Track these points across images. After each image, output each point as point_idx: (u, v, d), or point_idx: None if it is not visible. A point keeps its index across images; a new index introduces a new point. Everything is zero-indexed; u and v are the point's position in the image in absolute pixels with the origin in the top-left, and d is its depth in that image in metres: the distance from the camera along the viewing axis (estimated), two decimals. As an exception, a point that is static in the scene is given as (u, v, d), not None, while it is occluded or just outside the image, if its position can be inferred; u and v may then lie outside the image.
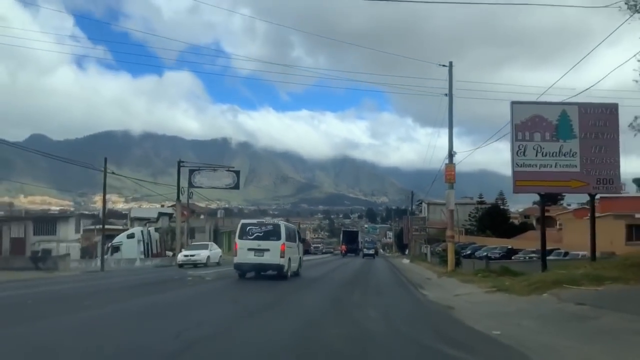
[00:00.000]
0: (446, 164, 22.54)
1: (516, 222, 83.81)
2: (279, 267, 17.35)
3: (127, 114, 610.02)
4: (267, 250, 17.14)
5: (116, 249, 39.49)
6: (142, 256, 39.15)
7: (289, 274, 17.76)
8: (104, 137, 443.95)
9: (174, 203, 72.61)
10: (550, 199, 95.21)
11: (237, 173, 36.79)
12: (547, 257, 45.43)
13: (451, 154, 22.58)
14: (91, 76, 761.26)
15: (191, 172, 36.74)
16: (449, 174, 22.30)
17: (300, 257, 20.79)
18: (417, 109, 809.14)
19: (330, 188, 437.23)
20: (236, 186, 36.44)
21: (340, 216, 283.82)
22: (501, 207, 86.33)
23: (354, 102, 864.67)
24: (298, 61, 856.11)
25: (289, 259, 17.79)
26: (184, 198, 67.93)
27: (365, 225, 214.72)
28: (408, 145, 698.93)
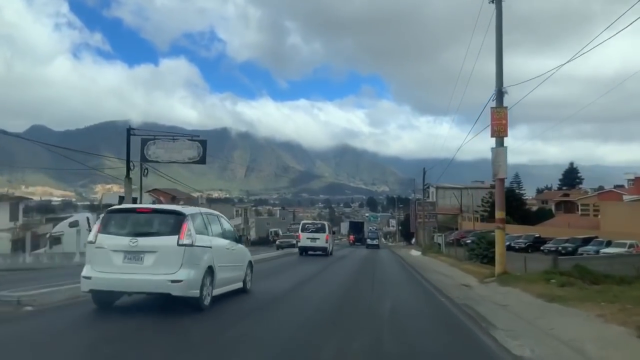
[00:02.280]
0: (492, 107, 14.52)
1: (533, 207, 76.38)
2: (324, 249, 28.36)
3: (127, 104, 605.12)
4: (318, 238, 28.53)
5: (57, 240, 31.85)
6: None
7: (329, 253, 28.62)
8: (105, 127, 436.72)
9: (155, 188, 64.78)
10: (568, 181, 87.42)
11: (203, 143, 28.47)
12: (585, 247, 37.67)
13: (501, 92, 14.54)
14: (89, 66, 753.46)
15: (144, 142, 28.47)
16: (498, 123, 14.30)
17: (333, 244, 33.32)
18: (416, 96, 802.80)
19: (331, 177, 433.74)
20: (202, 160, 28.20)
21: (341, 205, 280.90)
22: (516, 191, 78.54)
23: (353, 90, 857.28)
24: (295, 48, 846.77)
25: (329, 244, 29.32)
26: (168, 182, 60.13)
27: (366, 214, 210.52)
28: (408, 134, 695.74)
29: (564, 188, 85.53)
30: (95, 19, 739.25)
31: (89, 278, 7.66)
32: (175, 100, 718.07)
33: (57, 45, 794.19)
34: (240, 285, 10.08)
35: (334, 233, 38.97)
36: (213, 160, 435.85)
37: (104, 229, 7.91)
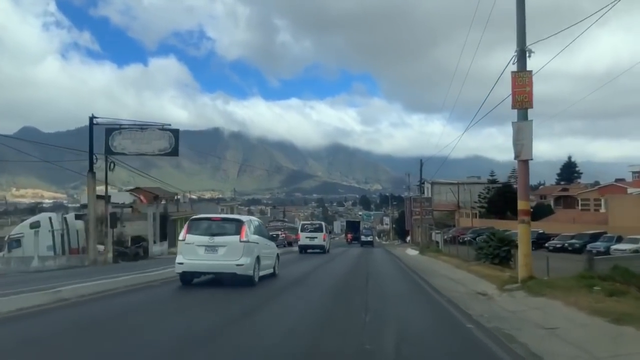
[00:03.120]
0: (513, 72, 11.65)
1: (531, 203, 73.80)
2: (322, 247, 31.12)
3: (117, 105, 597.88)
4: (316, 237, 31.40)
5: (17, 242, 28.68)
6: (53, 252, 28.36)
7: (326, 251, 31.34)
8: (95, 128, 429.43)
9: (137, 186, 61.36)
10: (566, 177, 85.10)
11: (175, 133, 25.58)
12: (593, 244, 35.03)
13: (523, 52, 11.65)
14: (78, 66, 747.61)
15: (108, 132, 25.60)
16: (521, 91, 11.44)
17: (330, 242, 35.45)
18: (406, 94, 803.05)
19: (324, 176, 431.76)
20: (174, 151, 25.37)
21: (334, 204, 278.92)
22: (514, 186, 76.03)
23: (344, 88, 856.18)
24: (285, 46, 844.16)
25: (327, 242, 32.17)
26: (137, 181, 56.73)
27: (360, 213, 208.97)
28: (400, 131, 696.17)
29: (562, 183, 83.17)
30: (82, 19, 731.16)
31: (182, 264, 11.25)
32: (166, 100, 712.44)
33: (46, 46, 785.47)
34: (272, 270, 13.64)
35: (330, 232, 42.17)
36: (205, 161, 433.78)
37: (190, 231, 11.47)
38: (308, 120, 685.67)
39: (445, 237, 40.96)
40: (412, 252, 35.99)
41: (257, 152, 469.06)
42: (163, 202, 53.37)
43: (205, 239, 11.12)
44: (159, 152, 25.49)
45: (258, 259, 11.80)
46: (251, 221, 12.66)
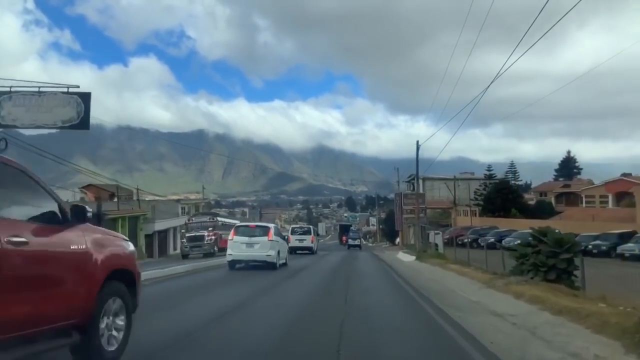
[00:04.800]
0: None
1: (530, 201, 67.98)
2: (310, 249, 36.14)
3: (99, 106, 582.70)
4: (305, 240, 36.42)
5: None
6: None
7: (314, 252, 36.39)
8: (77, 131, 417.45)
9: (89, 184, 54.06)
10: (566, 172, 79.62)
11: (85, 98, 18.72)
12: (625, 245, 28.72)
13: None
14: (58, 67, 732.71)
15: (-6, 97, 18.61)
16: None
17: (317, 244, 41.29)
18: (390, 95, 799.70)
19: (310, 178, 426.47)
20: (83, 123, 18.52)
21: (320, 206, 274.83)
22: (512, 182, 70.12)
23: (327, 88, 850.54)
24: (267, 46, 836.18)
25: (314, 244, 37.57)
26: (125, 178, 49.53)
27: (345, 214, 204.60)
28: (385, 133, 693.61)
29: (561, 179, 77.82)
30: (59, 18, 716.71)
31: (231, 254, 18.30)
32: (148, 101, 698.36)
33: (25, 46, 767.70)
34: (284, 261, 20.25)
35: (318, 235, 48.28)
36: (190, 163, 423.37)
37: (236, 234, 18.59)
38: (292, 122, 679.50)
39: (442, 238, 34.66)
40: (406, 257, 29.42)
41: (242, 154, 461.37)
42: (116, 199, 46.35)
43: (246, 239, 18.18)
44: (63, 124, 18.58)
45: (278, 252, 18.71)
46: (274, 227, 19.77)
